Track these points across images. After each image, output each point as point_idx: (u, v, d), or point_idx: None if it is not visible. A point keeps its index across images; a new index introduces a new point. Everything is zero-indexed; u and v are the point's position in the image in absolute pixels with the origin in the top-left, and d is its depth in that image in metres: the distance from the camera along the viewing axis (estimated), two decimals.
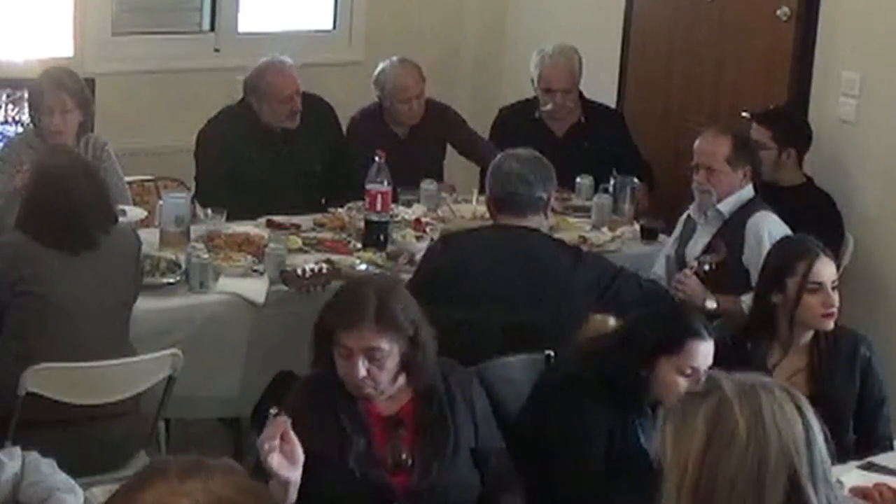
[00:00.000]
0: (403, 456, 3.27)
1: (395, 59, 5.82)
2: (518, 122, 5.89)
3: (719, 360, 3.58)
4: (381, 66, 5.82)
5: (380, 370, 3.26)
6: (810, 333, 3.89)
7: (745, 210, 4.76)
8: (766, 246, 4.56)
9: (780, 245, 4.10)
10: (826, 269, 3.87)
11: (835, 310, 3.86)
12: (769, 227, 4.66)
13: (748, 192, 4.81)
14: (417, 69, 5.79)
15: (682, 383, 3.43)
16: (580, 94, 5.97)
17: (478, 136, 5.99)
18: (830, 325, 3.87)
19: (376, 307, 3.26)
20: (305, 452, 3.14)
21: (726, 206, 4.78)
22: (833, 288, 3.87)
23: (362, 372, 3.23)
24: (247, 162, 5.46)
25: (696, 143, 4.90)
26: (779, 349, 3.89)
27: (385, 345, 3.25)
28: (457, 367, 3.45)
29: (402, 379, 3.33)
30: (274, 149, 5.53)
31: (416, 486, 3.25)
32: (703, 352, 3.45)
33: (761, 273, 4.03)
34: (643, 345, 3.46)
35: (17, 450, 3.05)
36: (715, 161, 4.78)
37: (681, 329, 3.46)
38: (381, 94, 5.79)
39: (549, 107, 5.90)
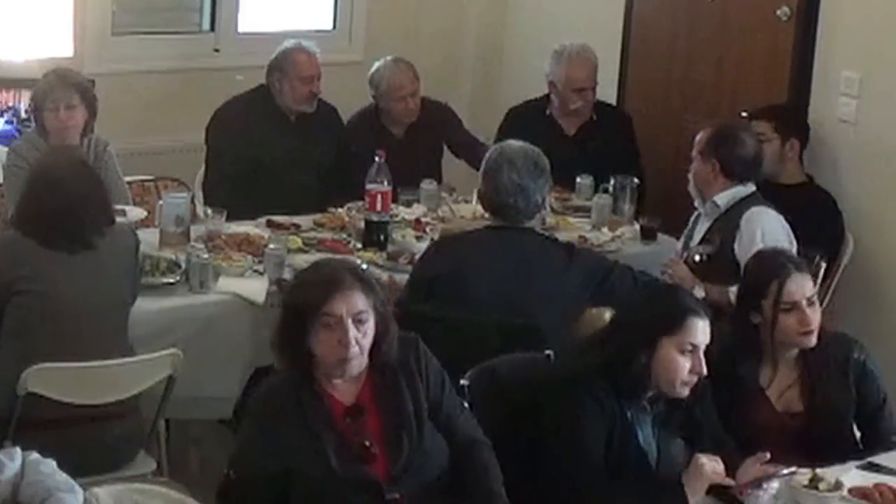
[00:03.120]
0: (368, 444, 3.23)
1: (388, 58, 5.84)
2: (528, 122, 5.85)
3: (709, 385, 3.57)
4: (375, 65, 5.85)
5: (364, 336, 3.22)
6: (796, 348, 3.83)
7: (743, 204, 4.79)
8: (758, 242, 4.60)
9: (755, 262, 4.00)
10: (798, 288, 3.76)
11: (812, 328, 3.76)
12: (763, 224, 4.69)
13: (744, 188, 4.83)
14: (411, 68, 5.80)
15: (684, 363, 3.43)
16: None
17: (474, 137, 5.99)
18: (812, 341, 3.78)
19: (350, 271, 3.29)
20: (282, 463, 3.14)
21: (723, 198, 4.82)
22: (810, 304, 3.77)
23: (353, 339, 3.19)
24: (258, 142, 5.55)
25: None
26: (769, 367, 3.83)
27: (368, 307, 3.23)
28: (401, 335, 3.38)
29: None
30: (285, 134, 5.63)
31: (394, 468, 3.23)
32: (702, 328, 3.45)
33: (739, 292, 3.96)
34: (642, 329, 3.45)
35: (17, 450, 3.05)
36: (694, 150, 4.91)
37: (678, 307, 3.46)
38: (376, 94, 5.81)
39: (578, 105, 5.88)
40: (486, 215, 4.47)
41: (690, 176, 4.91)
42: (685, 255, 4.82)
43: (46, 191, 4.05)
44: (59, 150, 4.68)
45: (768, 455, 3.39)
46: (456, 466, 3.35)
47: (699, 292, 4.56)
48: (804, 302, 3.77)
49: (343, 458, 3.20)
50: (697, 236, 4.91)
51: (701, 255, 4.76)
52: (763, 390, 3.80)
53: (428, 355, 3.41)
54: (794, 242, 4.73)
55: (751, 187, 4.85)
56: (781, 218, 4.75)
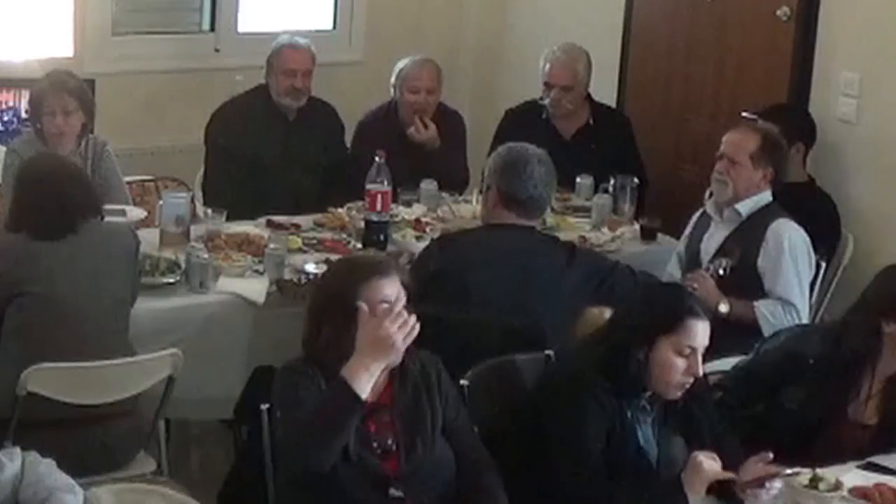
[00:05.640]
0: (389, 441, 3.31)
1: (419, 56, 5.86)
2: (526, 124, 5.82)
3: (791, 374, 3.61)
4: (403, 60, 5.86)
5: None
6: None
7: (765, 214, 4.70)
8: (786, 255, 4.56)
9: None
10: None
11: None
12: (790, 236, 4.61)
13: (767, 195, 4.74)
14: (436, 68, 5.82)
15: (680, 364, 3.42)
16: (589, 96, 5.97)
17: (463, 160, 5.95)
18: None
19: (385, 261, 3.50)
20: None
21: (745, 206, 4.71)
22: None
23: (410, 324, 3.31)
24: (257, 142, 5.57)
25: (727, 134, 4.83)
26: (877, 378, 3.76)
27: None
28: (423, 351, 3.45)
29: None
30: (284, 133, 5.65)
31: (406, 468, 3.29)
32: (701, 330, 3.44)
33: (874, 297, 3.89)
34: (641, 326, 3.45)
35: (17, 450, 3.05)
36: (739, 154, 4.72)
37: (678, 308, 3.45)
38: (395, 82, 5.81)
39: (546, 101, 5.90)
40: (499, 208, 4.39)
41: (729, 180, 4.70)
42: (709, 268, 4.66)
43: (32, 183, 4.12)
44: (45, 154, 4.72)
45: (771, 455, 3.39)
46: (462, 488, 3.39)
47: (724, 307, 4.53)
48: None
49: (359, 444, 3.25)
50: (710, 242, 4.79)
51: (725, 268, 4.62)
52: (844, 402, 3.74)
53: (447, 375, 3.48)
54: (813, 254, 4.70)
55: (769, 195, 4.75)
56: (802, 229, 4.67)
